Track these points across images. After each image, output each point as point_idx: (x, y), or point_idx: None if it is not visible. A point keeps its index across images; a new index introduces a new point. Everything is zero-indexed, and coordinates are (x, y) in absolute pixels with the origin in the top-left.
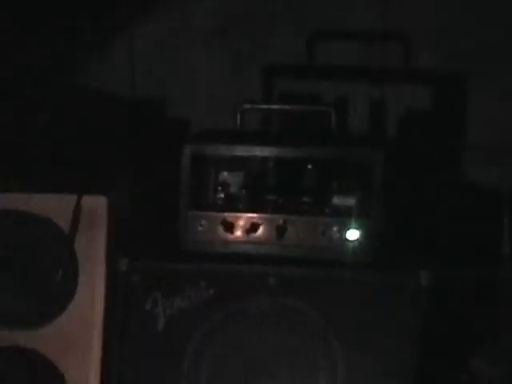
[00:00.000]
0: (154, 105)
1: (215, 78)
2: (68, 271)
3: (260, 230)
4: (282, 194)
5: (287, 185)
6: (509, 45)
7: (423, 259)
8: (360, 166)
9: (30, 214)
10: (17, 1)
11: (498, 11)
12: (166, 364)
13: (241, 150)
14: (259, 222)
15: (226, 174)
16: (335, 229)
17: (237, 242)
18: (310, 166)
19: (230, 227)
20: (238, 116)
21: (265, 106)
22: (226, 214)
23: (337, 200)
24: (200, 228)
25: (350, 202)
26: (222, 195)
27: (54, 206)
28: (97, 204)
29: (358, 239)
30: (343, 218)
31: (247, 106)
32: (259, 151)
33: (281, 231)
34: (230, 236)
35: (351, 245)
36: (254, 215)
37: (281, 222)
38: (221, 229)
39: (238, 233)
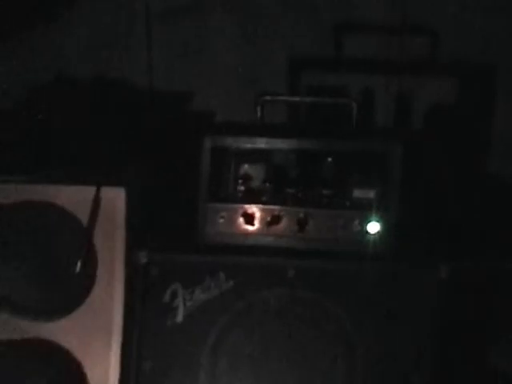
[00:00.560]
0: (174, 96)
1: (237, 69)
2: (87, 263)
3: (281, 223)
4: (302, 186)
5: (308, 177)
6: None
7: (442, 252)
8: (380, 158)
9: (50, 205)
10: None
11: None
12: (185, 356)
13: (261, 143)
14: (280, 214)
15: (246, 166)
16: (356, 222)
17: (257, 234)
18: (330, 159)
19: (250, 219)
20: (259, 108)
21: (285, 98)
22: (247, 206)
23: (357, 193)
24: (220, 220)
25: (370, 194)
26: (243, 188)
27: (73, 198)
28: (115, 196)
29: (378, 232)
30: (364, 210)
31: (267, 97)
32: (280, 143)
33: (302, 224)
34: (250, 228)
35: (372, 237)
36: (275, 208)
37: (302, 215)
38: (241, 221)
39: (259, 225)
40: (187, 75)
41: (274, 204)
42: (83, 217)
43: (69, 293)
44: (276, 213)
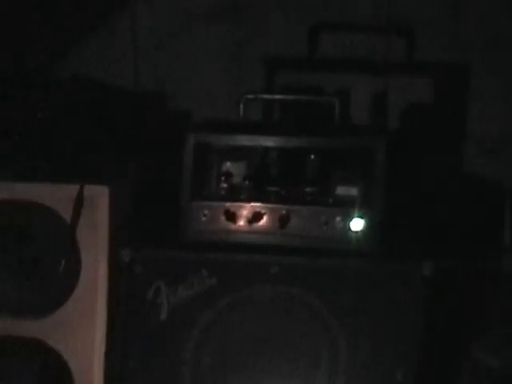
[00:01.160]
0: (156, 95)
1: (216, 69)
2: (70, 261)
3: (263, 220)
4: (284, 184)
5: (290, 175)
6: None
7: (426, 249)
8: (362, 155)
9: (32, 204)
10: None
11: (502, 1)
12: (168, 353)
13: (244, 140)
14: (262, 211)
15: (228, 164)
16: (338, 219)
17: (239, 231)
18: (312, 156)
19: (232, 217)
20: (242, 106)
21: (268, 96)
22: (229, 204)
23: (340, 190)
24: (203, 218)
25: (353, 191)
26: (225, 185)
27: (56, 196)
28: (99, 193)
29: (361, 229)
30: (346, 207)
31: (250, 96)
32: (262, 141)
33: (284, 221)
34: (232, 226)
35: (354, 235)
36: (257, 205)
37: (284, 211)
38: (223, 218)
39: (241, 222)
40: (170, 76)
41: (256, 201)
42: (66, 215)
43: (52, 291)
44: (258, 210)
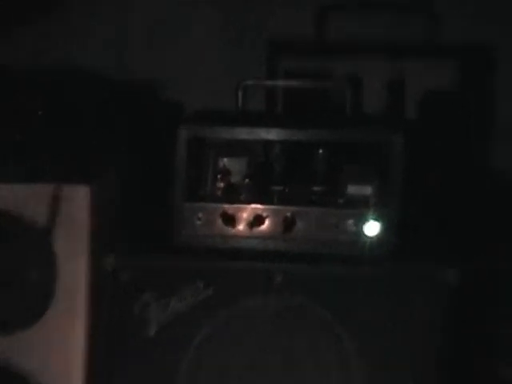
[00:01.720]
0: (147, 85)
1: (215, 55)
2: (45, 271)
3: (265, 224)
4: (289, 182)
5: (296, 172)
6: None
7: (447, 255)
8: (377, 150)
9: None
10: None
11: None
12: (159, 374)
13: (243, 133)
14: (264, 214)
15: (226, 160)
16: (350, 222)
17: (238, 236)
18: (321, 151)
19: (230, 220)
20: (240, 94)
21: (270, 83)
22: (227, 206)
23: (352, 189)
24: (197, 221)
25: (367, 190)
26: (222, 184)
27: (28, 198)
28: (78, 194)
29: (376, 233)
30: (359, 209)
31: (250, 82)
32: (264, 134)
33: (288, 224)
34: (230, 230)
35: (368, 239)
36: (258, 206)
37: (288, 214)
38: (220, 222)
39: (240, 226)
40: (161, 62)
41: (257, 202)
42: (40, 219)
43: (26, 305)
44: (259, 212)
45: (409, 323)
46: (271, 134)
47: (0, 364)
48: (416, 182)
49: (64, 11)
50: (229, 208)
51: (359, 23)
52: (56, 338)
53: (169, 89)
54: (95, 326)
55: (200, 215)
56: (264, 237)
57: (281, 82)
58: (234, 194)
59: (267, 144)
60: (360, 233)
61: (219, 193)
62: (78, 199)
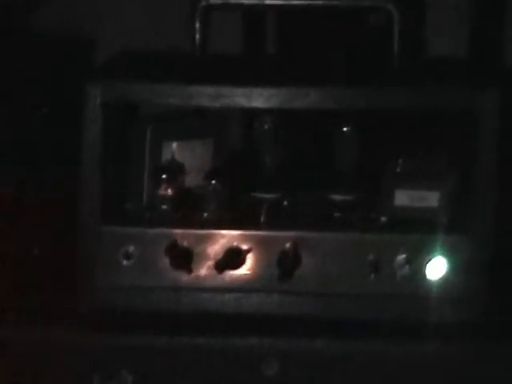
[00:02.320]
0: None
1: None
2: None
3: (247, 264)
4: (290, 186)
5: (301, 168)
6: None
7: None
8: (450, 126)
9: None
10: None
11: None
12: None
13: (205, 96)
14: (244, 246)
15: (175, 146)
16: (401, 258)
17: (199, 289)
18: (346, 129)
19: (183, 258)
20: (198, 25)
21: (252, 1)
22: (178, 232)
23: (402, 197)
24: (124, 261)
25: (431, 200)
26: (169, 191)
27: None
28: None
29: (445, 277)
30: (417, 233)
31: (212, 1)
32: (243, 98)
33: (289, 264)
34: (184, 278)
35: (434, 288)
36: (234, 233)
37: (288, 244)
38: (166, 262)
39: (202, 270)
40: None
41: (233, 225)
42: None
43: None
44: (237, 243)
45: None
46: (255, 99)
47: None
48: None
49: None
50: (181, 236)
51: None
52: None
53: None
54: None
55: (129, 249)
56: (245, 288)
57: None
58: (191, 209)
59: (248, 116)
60: (419, 277)
61: (163, 207)
62: None
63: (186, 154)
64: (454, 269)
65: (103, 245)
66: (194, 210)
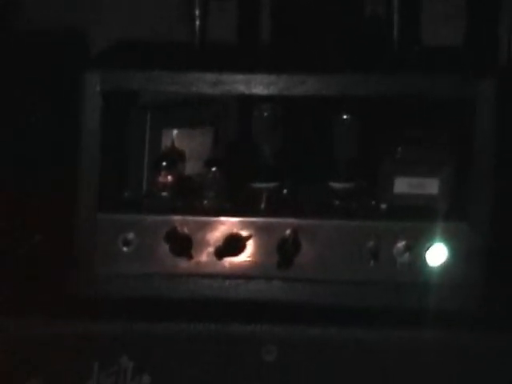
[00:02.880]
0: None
1: None
2: None
3: (246, 251)
4: (289, 175)
5: (301, 156)
6: None
7: None
8: (449, 113)
9: None
10: None
11: None
12: None
13: (204, 83)
14: (244, 232)
15: (175, 133)
16: (400, 245)
17: (198, 275)
18: (345, 116)
19: (184, 245)
20: (197, 12)
21: None
22: (177, 219)
23: (402, 184)
24: (123, 248)
25: (431, 187)
26: (169, 178)
27: None
28: None
29: (445, 264)
30: (417, 221)
31: None
32: (242, 85)
33: (288, 252)
34: (183, 264)
35: (434, 275)
36: (233, 220)
37: (288, 231)
38: (166, 249)
39: (202, 257)
40: None
41: (232, 212)
42: None
43: None
44: (236, 230)
45: None
46: (255, 85)
47: None
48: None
49: None
50: (181, 223)
51: None
52: None
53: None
54: None
55: (127, 236)
56: (244, 275)
57: None
58: (191, 197)
59: (248, 105)
60: (419, 264)
61: (163, 194)
62: None
63: (186, 142)
64: (454, 255)
65: (102, 232)
66: (194, 198)
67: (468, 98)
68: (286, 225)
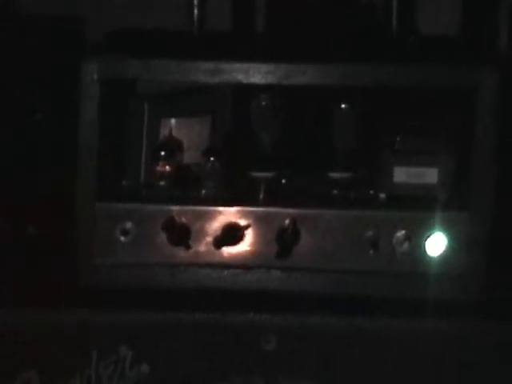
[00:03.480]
0: None
1: None
2: None
3: (245, 240)
4: (288, 164)
5: (300, 146)
6: None
7: None
8: (449, 102)
9: None
10: None
11: None
12: None
13: (202, 72)
14: (243, 222)
15: (173, 122)
16: (400, 235)
17: (196, 264)
18: (344, 106)
19: (182, 235)
20: (196, 1)
21: None
22: (175, 208)
23: (402, 174)
24: (121, 237)
25: (431, 176)
26: (167, 168)
27: None
28: None
29: (445, 253)
30: (416, 210)
31: None
32: (241, 73)
33: (287, 242)
34: (182, 253)
35: (434, 265)
36: (232, 210)
37: (287, 221)
38: (164, 239)
39: (200, 246)
40: None
41: (231, 202)
42: None
43: None
44: (235, 219)
45: None
46: (253, 74)
47: None
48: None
49: None
50: (178, 212)
51: None
52: None
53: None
54: None
55: (125, 226)
56: (243, 265)
57: None
58: (189, 186)
59: (246, 94)
60: (418, 254)
61: (161, 183)
62: None
63: (184, 131)
64: (454, 245)
65: (100, 221)
66: (192, 187)
67: (468, 87)
68: (285, 214)
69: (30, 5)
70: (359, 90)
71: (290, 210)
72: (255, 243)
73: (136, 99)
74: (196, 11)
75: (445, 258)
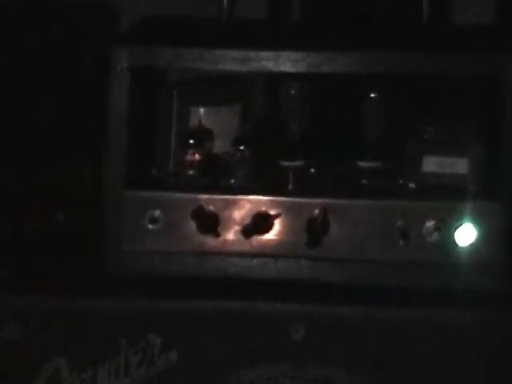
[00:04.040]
0: None
1: None
2: None
3: (274, 229)
4: (317, 154)
5: (329, 135)
6: None
7: None
8: (480, 92)
9: None
10: None
11: None
12: None
13: (232, 60)
14: (272, 211)
15: (203, 111)
16: (430, 225)
17: (225, 253)
18: (373, 95)
19: (211, 223)
20: None
21: None
22: (204, 197)
23: (431, 164)
24: (149, 225)
25: (460, 167)
26: (196, 156)
27: None
28: None
29: (474, 243)
30: (446, 200)
31: None
32: (271, 62)
33: (316, 231)
34: (211, 242)
35: (463, 255)
36: (262, 199)
37: (316, 211)
38: (193, 227)
39: (229, 235)
40: None
41: (260, 191)
42: None
43: None
44: (264, 208)
45: None
46: (283, 62)
47: None
48: None
49: None
50: (207, 201)
51: None
52: None
53: None
54: None
55: (154, 214)
56: (272, 254)
57: None
58: (218, 175)
59: (275, 82)
60: (448, 244)
61: (190, 172)
62: None
63: (214, 120)
64: (483, 235)
65: (129, 209)
66: (221, 176)
67: (497, 75)
68: (315, 204)
69: None
70: (388, 79)
71: (320, 200)
72: (284, 233)
73: (166, 87)
74: (225, 4)
75: (474, 248)
